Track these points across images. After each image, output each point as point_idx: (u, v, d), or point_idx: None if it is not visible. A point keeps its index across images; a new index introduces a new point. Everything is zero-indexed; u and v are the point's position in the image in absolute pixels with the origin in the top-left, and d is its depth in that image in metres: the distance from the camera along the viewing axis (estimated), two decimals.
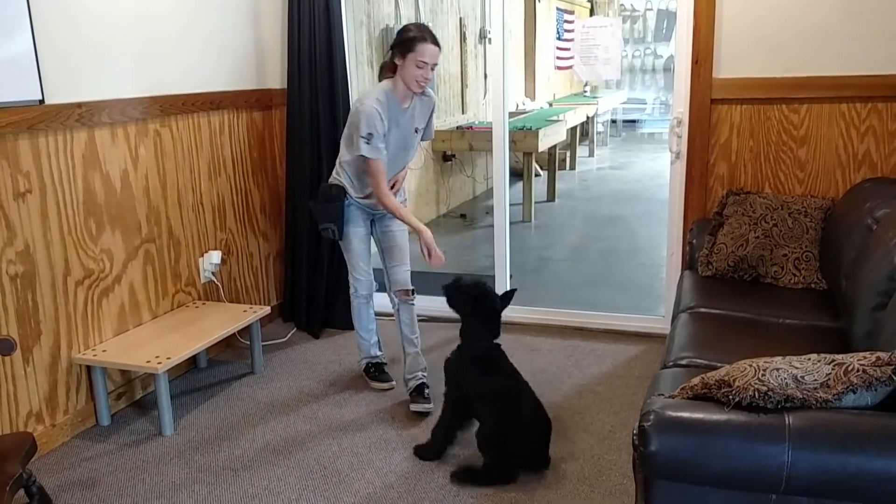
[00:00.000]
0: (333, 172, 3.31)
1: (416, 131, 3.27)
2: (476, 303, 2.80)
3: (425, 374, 3.35)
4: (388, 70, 3.14)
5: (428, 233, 3.11)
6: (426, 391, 3.29)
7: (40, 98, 2.85)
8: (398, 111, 3.14)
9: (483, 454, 2.74)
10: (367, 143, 3.04)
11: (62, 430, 3.07)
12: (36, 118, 2.83)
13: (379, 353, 3.57)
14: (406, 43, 3.00)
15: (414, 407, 3.24)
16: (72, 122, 2.99)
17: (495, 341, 2.83)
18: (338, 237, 3.28)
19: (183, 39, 3.58)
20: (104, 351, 3.15)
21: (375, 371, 3.52)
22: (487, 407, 2.72)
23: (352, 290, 3.43)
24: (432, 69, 3.04)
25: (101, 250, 3.21)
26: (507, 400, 2.70)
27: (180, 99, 3.56)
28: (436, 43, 3.02)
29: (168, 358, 3.06)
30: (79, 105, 3.02)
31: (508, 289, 3.08)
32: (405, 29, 3.05)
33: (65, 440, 3.08)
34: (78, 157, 3.06)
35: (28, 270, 2.88)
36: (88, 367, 3.15)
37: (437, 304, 4.36)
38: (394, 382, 3.49)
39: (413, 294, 3.35)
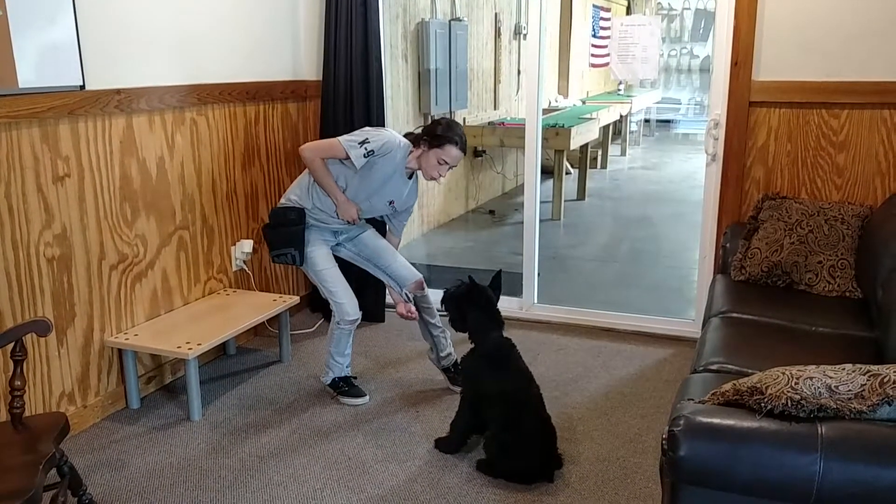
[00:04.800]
0: (292, 195, 3.23)
1: (390, 204, 3.26)
2: (468, 298, 2.80)
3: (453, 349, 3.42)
4: (414, 143, 3.16)
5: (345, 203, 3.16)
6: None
7: (81, 84, 2.90)
8: (399, 171, 3.17)
9: (486, 454, 2.75)
10: (357, 145, 3.04)
11: (93, 412, 3.12)
12: (76, 103, 2.88)
13: (348, 369, 3.38)
14: (437, 138, 3.07)
15: (455, 387, 3.30)
16: (111, 109, 3.03)
17: (505, 336, 2.83)
18: (298, 262, 3.18)
19: (221, 29, 3.61)
20: (136, 335, 3.20)
21: (346, 385, 3.33)
22: (494, 409, 2.72)
23: (336, 319, 3.22)
24: (449, 169, 3.13)
25: (136, 236, 3.25)
26: (513, 408, 2.69)
27: (217, 88, 3.59)
28: (463, 149, 3.10)
29: (198, 344, 3.10)
30: (118, 91, 3.06)
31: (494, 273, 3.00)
32: (439, 123, 3.12)
33: (95, 421, 3.13)
34: (116, 142, 3.10)
35: (64, 254, 2.93)
36: (120, 351, 3.19)
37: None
38: (367, 397, 3.32)
39: (425, 287, 3.36)
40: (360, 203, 3.20)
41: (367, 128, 3.21)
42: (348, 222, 3.22)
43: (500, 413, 2.70)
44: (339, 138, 3.10)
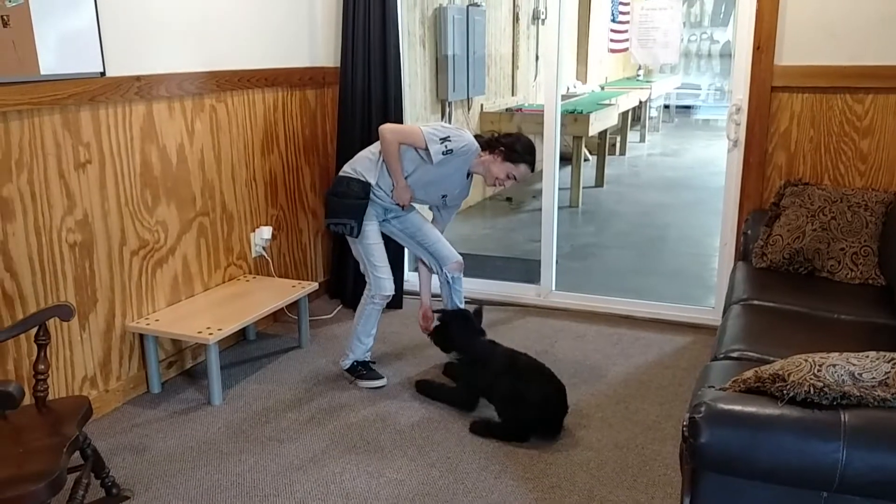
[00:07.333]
0: (358, 167, 3.25)
1: (443, 197, 3.35)
2: (443, 321, 3.24)
3: None
4: (485, 147, 3.22)
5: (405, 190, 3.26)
6: None
7: (102, 70, 2.91)
8: (462, 171, 3.25)
9: (498, 414, 2.92)
10: (437, 140, 3.10)
11: (115, 396, 3.15)
12: (97, 90, 2.89)
13: (368, 354, 3.43)
14: (513, 153, 3.16)
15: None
16: (131, 95, 3.05)
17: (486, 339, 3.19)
18: (355, 234, 3.22)
19: (240, 16, 3.61)
20: (157, 320, 3.22)
21: (364, 369, 3.37)
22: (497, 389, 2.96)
23: (369, 293, 3.30)
24: (511, 183, 3.23)
25: (157, 222, 3.27)
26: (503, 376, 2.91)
27: (236, 75, 3.60)
28: (532, 170, 3.24)
29: (219, 329, 3.12)
30: (138, 78, 3.07)
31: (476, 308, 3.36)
32: (521, 142, 3.20)
33: (117, 405, 3.16)
34: (136, 129, 3.12)
35: (86, 239, 2.95)
36: (141, 336, 3.22)
37: (484, 287, 4.39)
38: (384, 379, 3.35)
39: (462, 269, 3.47)
40: (416, 191, 3.26)
41: (446, 124, 3.28)
42: (398, 205, 3.28)
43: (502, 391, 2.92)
44: (421, 127, 3.15)
